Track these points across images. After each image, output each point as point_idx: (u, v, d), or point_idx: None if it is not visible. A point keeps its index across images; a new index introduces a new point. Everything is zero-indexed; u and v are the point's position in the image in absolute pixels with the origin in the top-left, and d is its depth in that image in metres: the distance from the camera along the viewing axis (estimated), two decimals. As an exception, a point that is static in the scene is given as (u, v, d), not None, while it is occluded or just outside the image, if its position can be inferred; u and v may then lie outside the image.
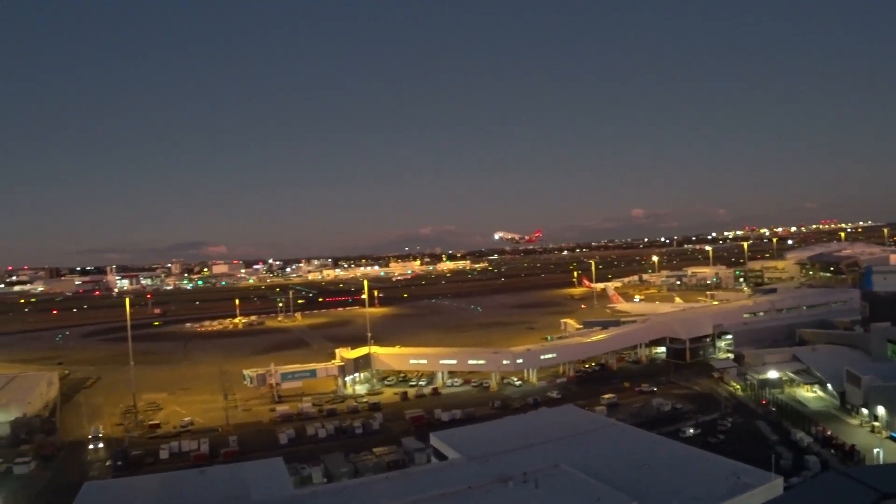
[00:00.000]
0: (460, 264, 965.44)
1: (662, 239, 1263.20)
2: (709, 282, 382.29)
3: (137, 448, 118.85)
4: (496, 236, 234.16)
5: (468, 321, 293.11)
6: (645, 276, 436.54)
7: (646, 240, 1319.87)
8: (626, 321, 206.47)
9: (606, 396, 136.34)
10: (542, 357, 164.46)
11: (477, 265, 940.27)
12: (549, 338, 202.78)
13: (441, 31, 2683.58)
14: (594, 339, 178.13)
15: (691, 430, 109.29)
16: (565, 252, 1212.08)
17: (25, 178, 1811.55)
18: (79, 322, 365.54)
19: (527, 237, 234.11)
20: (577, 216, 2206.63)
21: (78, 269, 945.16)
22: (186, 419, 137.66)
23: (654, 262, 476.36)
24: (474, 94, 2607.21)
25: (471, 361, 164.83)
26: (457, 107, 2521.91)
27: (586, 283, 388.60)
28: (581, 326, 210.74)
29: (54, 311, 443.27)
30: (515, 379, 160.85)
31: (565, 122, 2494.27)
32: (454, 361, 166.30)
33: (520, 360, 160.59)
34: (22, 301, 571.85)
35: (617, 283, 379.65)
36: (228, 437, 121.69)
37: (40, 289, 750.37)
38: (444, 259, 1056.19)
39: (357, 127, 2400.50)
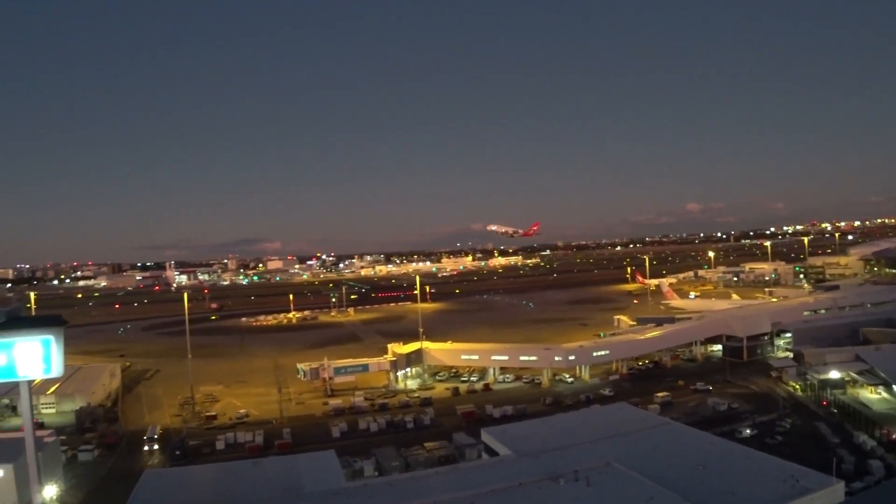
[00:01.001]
0: (512, 260, 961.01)
1: (718, 234, 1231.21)
2: (767, 278, 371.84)
3: (195, 438, 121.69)
4: (489, 229, 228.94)
5: (520, 317, 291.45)
6: (700, 273, 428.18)
7: (701, 235, 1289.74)
8: (680, 318, 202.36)
9: (660, 395, 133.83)
10: (594, 354, 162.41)
11: (529, 261, 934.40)
12: (601, 334, 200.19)
13: (493, 24, 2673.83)
14: (648, 336, 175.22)
15: (748, 431, 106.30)
16: (618, 248, 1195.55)
17: (90, 177, 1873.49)
18: (139, 316, 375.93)
19: (520, 231, 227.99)
20: (630, 211, 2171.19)
21: (139, 264, 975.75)
22: (242, 411, 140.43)
23: (709, 258, 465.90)
24: (525, 89, 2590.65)
25: (522, 357, 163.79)
26: (507, 102, 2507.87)
27: (640, 279, 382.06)
28: (634, 323, 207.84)
29: (116, 306, 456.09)
30: (567, 376, 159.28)
31: (617, 116, 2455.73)
32: (506, 357, 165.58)
33: (572, 357, 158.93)
34: (79, 295, 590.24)
35: (671, 280, 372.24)
36: (282, 430, 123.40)
37: (103, 284, 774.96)
38: (496, 255, 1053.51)
39: (410, 123, 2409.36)
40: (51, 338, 23.67)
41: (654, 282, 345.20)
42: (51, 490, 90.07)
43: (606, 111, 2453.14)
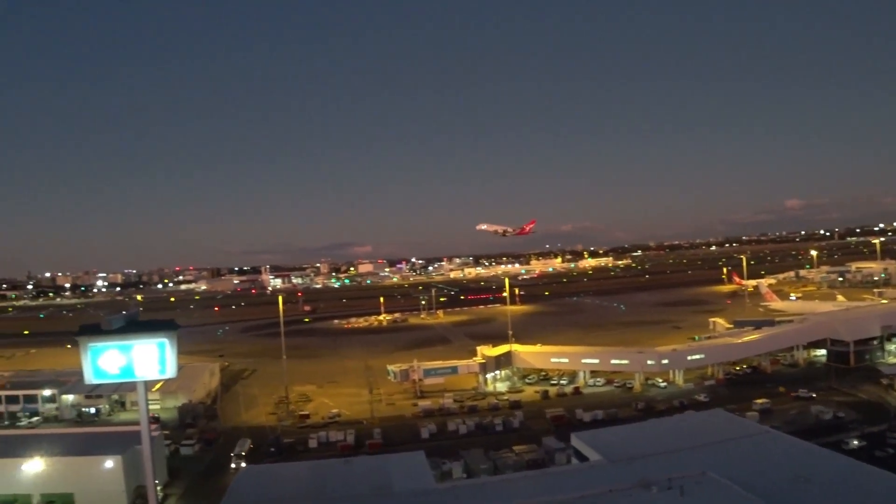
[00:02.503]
0: (602, 261, 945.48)
1: (821, 231, 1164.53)
2: (876, 278, 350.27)
3: (289, 436, 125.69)
4: (478, 228, 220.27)
5: (610, 319, 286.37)
6: (802, 273, 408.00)
7: (802, 232, 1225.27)
8: (781, 321, 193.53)
9: (759, 401, 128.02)
10: (688, 358, 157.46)
11: (620, 262, 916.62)
12: (696, 337, 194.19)
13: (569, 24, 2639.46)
14: (746, 339, 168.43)
15: (855, 442, 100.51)
16: (713, 247, 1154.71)
17: (192, 186, 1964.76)
18: (237, 318, 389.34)
19: (512, 229, 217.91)
20: (725, 209, 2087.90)
21: (236, 269, 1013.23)
22: (334, 411, 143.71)
23: (812, 257, 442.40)
24: (607, 87, 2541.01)
25: (613, 361, 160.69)
26: (592, 101, 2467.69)
27: (737, 279, 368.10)
28: (731, 326, 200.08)
29: (216, 308, 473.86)
30: (660, 380, 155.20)
31: (711, 111, 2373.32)
32: (596, 361, 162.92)
33: (665, 361, 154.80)
34: (171, 299, 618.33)
35: (770, 280, 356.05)
36: (373, 430, 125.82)
37: (203, 287, 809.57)
38: (586, 256, 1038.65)
39: (499, 125, 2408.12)
40: (166, 341, 25.28)
41: (752, 283, 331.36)
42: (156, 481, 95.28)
43: (698, 106, 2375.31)
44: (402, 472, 74.64)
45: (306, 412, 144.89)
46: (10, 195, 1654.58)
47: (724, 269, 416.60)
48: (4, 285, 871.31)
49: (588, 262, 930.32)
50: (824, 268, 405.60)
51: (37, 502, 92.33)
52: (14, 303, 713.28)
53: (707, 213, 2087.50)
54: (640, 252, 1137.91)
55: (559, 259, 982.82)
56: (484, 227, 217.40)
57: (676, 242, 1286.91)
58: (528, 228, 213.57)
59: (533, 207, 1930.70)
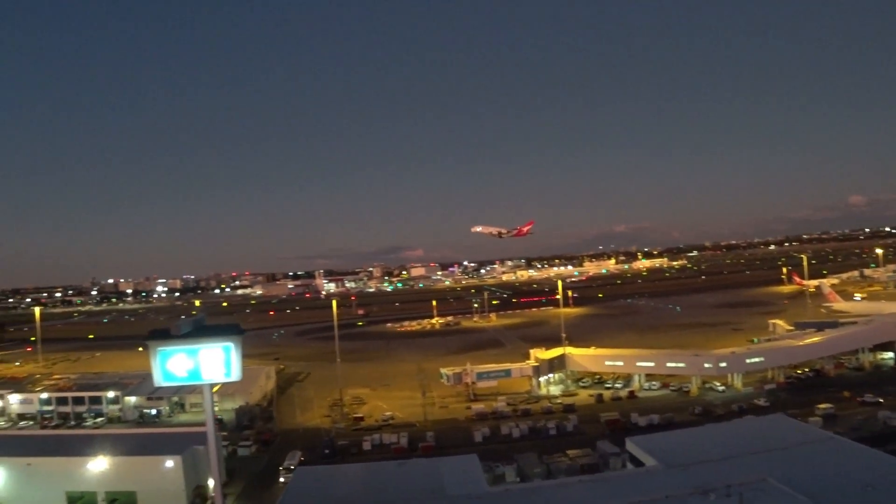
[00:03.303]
0: (657, 262, 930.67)
1: (887, 229, 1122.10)
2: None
3: (343, 439, 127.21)
4: (473, 230, 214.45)
5: (666, 321, 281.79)
6: (867, 272, 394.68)
7: (867, 230, 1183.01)
8: (845, 322, 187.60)
9: (822, 406, 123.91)
10: (747, 361, 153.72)
11: (675, 262, 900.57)
12: (755, 340, 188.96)
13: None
14: (808, 341, 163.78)
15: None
16: (772, 246, 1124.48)
17: (248, 193, 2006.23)
18: (292, 322, 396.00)
19: (507, 230, 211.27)
20: (785, 206, 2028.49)
21: (291, 273, 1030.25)
22: (387, 413, 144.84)
23: (877, 256, 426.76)
24: (662, 84, 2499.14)
25: (669, 364, 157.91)
26: (646, 99, 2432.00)
27: (797, 280, 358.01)
28: (792, 328, 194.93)
29: (271, 312, 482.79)
30: (718, 384, 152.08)
31: (768, 105, 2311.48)
32: (652, 364, 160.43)
33: (723, 364, 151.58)
34: (224, 304, 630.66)
35: (833, 280, 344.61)
36: (426, 433, 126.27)
37: (259, 292, 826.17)
38: (640, 257, 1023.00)
39: (548, 127, 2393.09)
40: (231, 345, 26.28)
41: (814, 283, 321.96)
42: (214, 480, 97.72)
43: (756, 100, 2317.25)
44: (455, 475, 74.77)
45: (360, 415, 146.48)
46: (76, 206, 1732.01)
47: (784, 269, 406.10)
48: (70, 291, 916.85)
49: (642, 264, 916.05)
50: (891, 266, 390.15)
51: (102, 499, 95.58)
52: (79, 308, 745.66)
53: (766, 210, 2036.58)
54: (695, 252, 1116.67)
55: (613, 260, 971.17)
56: (479, 228, 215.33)
57: (734, 242, 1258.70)
58: (525, 230, 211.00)
59: (587, 209, 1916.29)
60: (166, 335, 26.16)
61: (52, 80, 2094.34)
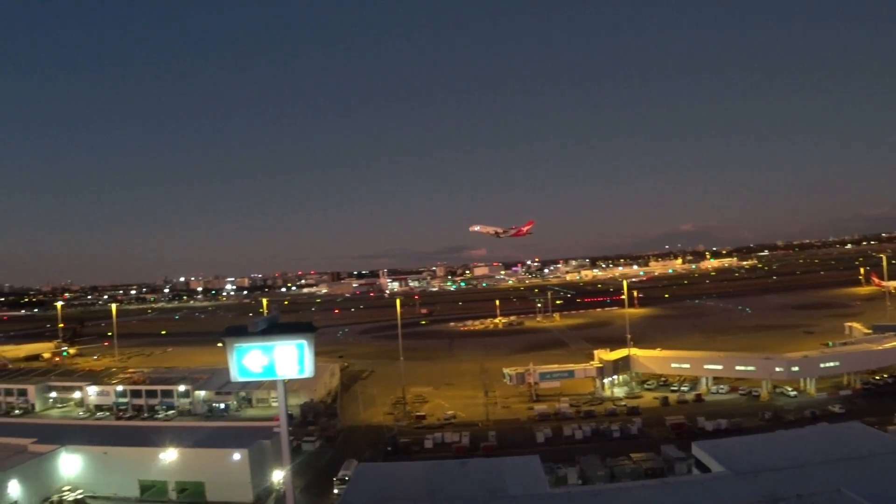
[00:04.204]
0: (726, 262, 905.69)
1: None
2: None
3: (405, 436, 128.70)
4: (472, 230, 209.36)
5: (735, 323, 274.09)
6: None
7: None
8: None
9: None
10: (821, 365, 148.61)
11: (745, 262, 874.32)
12: (830, 343, 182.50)
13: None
14: (887, 346, 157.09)
15: None
16: (848, 245, 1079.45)
17: (314, 194, 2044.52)
18: (356, 320, 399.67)
19: (504, 230, 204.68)
20: (862, 203, 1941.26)
21: (355, 272, 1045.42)
22: (449, 412, 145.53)
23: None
24: (730, 79, 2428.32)
25: (738, 367, 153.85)
26: (714, 93, 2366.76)
27: (876, 280, 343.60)
28: (870, 331, 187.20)
29: (336, 311, 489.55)
30: (790, 388, 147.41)
31: (843, 96, 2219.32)
32: (720, 367, 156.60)
33: (795, 368, 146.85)
34: (285, 302, 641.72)
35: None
36: (488, 432, 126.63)
37: (324, 291, 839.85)
38: (708, 256, 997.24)
39: (615, 127, 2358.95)
40: (304, 342, 27.07)
41: (894, 284, 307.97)
42: (279, 474, 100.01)
43: (830, 92, 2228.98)
44: (517, 476, 74.51)
45: (422, 413, 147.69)
46: (150, 208, 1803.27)
47: (862, 270, 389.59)
48: (145, 289, 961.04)
49: (710, 263, 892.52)
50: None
51: (172, 489, 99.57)
52: (153, 305, 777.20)
53: (842, 208, 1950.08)
54: (766, 252, 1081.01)
55: (679, 260, 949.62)
56: (477, 228, 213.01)
57: (807, 241, 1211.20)
58: (525, 229, 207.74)
59: (649, 208, 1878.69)
60: (243, 332, 27.16)
61: (133, 85, 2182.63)
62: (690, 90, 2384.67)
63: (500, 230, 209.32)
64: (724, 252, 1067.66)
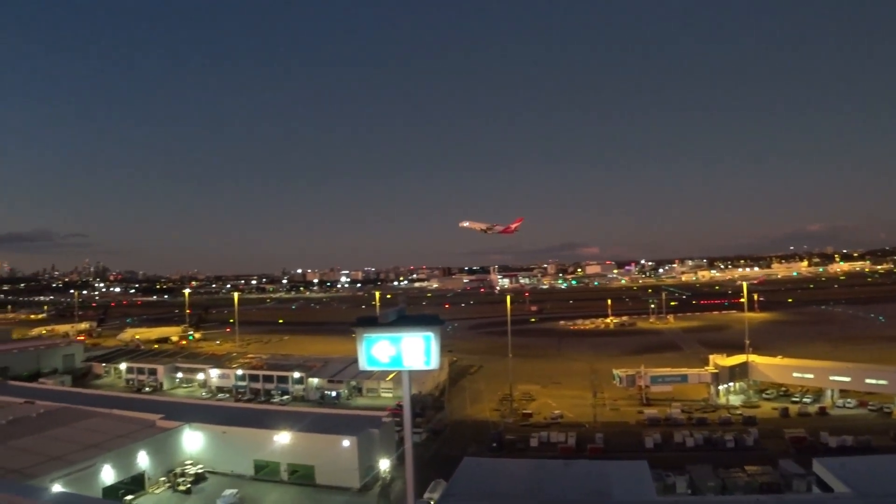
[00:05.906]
0: (857, 265, 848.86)
1: None
2: None
3: (510, 433, 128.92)
4: (461, 226, 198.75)
5: (866, 332, 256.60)
6: None
7: None
8: None
9: None
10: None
11: (879, 266, 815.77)
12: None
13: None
14: None
15: None
16: None
17: (427, 189, 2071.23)
18: (465, 316, 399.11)
19: (491, 226, 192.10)
20: None
21: (466, 268, 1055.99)
22: (556, 412, 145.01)
23: None
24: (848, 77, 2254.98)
25: (869, 380, 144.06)
26: (846, 83, 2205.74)
27: None
28: None
29: (446, 305, 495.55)
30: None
31: None
32: (847, 379, 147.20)
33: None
34: (388, 296, 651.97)
35: None
36: (595, 434, 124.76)
37: (435, 285, 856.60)
38: (838, 259, 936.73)
39: (737, 118, 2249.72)
40: (431, 335, 28.41)
41: None
42: (385, 462, 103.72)
43: None
44: (623, 481, 73.30)
45: (529, 411, 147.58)
46: (270, 204, 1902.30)
47: None
48: (264, 279, 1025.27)
49: (840, 267, 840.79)
50: None
51: (284, 470, 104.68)
52: (272, 295, 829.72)
53: None
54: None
55: (805, 262, 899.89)
56: (466, 224, 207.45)
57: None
58: (513, 227, 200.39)
59: (771, 206, 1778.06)
60: (373, 322, 28.81)
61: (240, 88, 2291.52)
62: (824, 74, 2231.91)
63: (487, 227, 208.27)
64: (855, 255, 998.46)
